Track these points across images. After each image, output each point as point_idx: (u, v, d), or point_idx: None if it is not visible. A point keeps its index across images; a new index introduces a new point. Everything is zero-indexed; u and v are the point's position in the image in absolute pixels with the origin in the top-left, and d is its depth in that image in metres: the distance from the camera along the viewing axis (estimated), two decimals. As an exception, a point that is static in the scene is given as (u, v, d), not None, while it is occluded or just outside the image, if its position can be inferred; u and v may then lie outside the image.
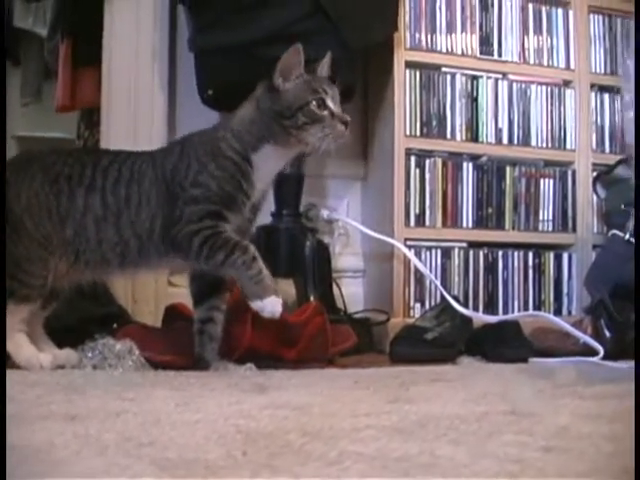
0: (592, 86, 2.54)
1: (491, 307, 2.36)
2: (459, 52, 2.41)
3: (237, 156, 1.49)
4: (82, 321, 1.73)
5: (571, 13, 2.53)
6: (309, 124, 1.47)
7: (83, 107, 2.71)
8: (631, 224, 2.15)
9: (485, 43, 2.44)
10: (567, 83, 2.53)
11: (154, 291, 2.05)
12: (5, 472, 0.70)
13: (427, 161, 2.35)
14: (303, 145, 1.49)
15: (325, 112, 1.48)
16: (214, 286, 1.57)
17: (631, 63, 2.23)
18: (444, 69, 2.40)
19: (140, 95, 2.28)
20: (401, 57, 2.34)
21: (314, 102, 1.47)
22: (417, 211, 2.32)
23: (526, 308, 2.40)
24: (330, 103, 1.48)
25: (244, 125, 1.52)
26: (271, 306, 1.42)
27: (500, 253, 2.40)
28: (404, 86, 2.34)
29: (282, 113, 1.48)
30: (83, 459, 0.75)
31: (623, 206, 2.20)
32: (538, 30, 2.50)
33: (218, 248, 1.44)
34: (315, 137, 1.47)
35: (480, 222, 2.39)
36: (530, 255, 2.43)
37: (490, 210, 2.40)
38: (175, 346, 1.60)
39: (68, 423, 0.91)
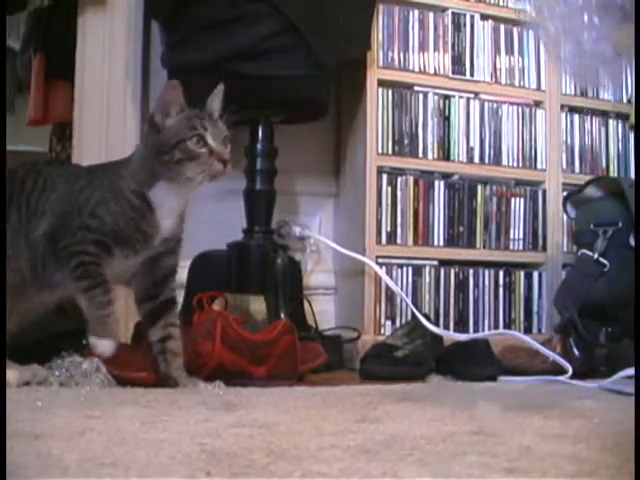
0: (562, 107, 2.57)
1: (462, 325, 2.37)
2: (431, 71, 2.43)
3: (134, 197, 1.50)
4: (51, 337, 1.72)
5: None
6: (186, 160, 1.46)
7: (55, 121, 2.70)
8: (600, 244, 2.17)
9: (457, 63, 2.46)
10: (538, 103, 2.55)
11: (124, 307, 2.03)
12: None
13: (399, 179, 2.35)
14: (187, 181, 1.48)
15: (203, 149, 1.47)
16: (165, 303, 1.59)
17: None
18: (416, 88, 2.41)
19: (112, 110, 2.27)
20: (374, 75, 2.35)
21: (193, 139, 1.46)
22: (389, 229, 2.33)
23: (496, 326, 2.40)
24: (210, 140, 1.47)
25: (138, 163, 1.53)
26: (102, 347, 1.45)
27: (471, 271, 2.41)
28: (376, 104, 2.34)
29: (160, 149, 1.48)
30: (44, 480, 0.74)
31: (592, 226, 2.22)
32: (510, 51, 2.53)
33: (86, 277, 1.47)
34: (193, 173, 1.47)
35: (451, 240, 2.40)
36: (501, 274, 2.44)
37: (461, 228, 2.41)
38: (145, 363, 1.59)
39: (32, 442, 0.91)
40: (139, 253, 1.53)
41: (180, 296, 2.04)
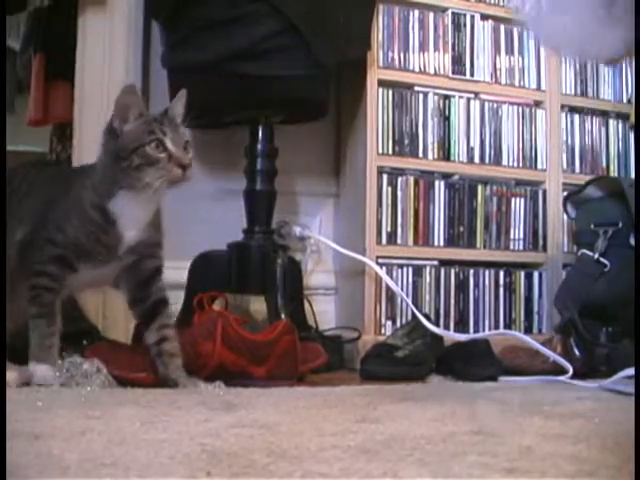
0: (562, 107, 2.57)
1: (462, 325, 2.37)
2: (432, 71, 2.43)
3: (94, 210, 1.49)
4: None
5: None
6: (145, 165, 1.44)
7: (55, 121, 2.70)
8: (600, 244, 2.17)
9: (457, 63, 2.46)
10: (538, 103, 2.55)
11: (124, 308, 2.03)
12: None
13: (399, 179, 2.35)
14: (146, 187, 1.45)
15: (162, 154, 1.44)
16: (156, 305, 1.59)
17: None
18: (417, 88, 2.41)
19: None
20: (374, 76, 2.34)
21: (152, 144, 1.44)
22: (389, 229, 2.33)
23: (497, 326, 2.40)
24: (169, 145, 1.45)
25: (99, 173, 1.52)
26: (41, 372, 1.46)
27: (471, 271, 2.41)
28: (377, 104, 2.34)
29: (119, 154, 1.46)
30: (44, 480, 0.74)
31: (592, 226, 2.22)
32: (510, 51, 2.53)
33: (37, 303, 1.48)
34: (152, 178, 1.44)
35: (451, 240, 2.40)
36: (501, 274, 2.44)
37: (461, 229, 2.41)
38: (145, 363, 1.59)
39: (32, 442, 0.91)
40: (105, 264, 1.53)
41: (181, 297, 2.05)
